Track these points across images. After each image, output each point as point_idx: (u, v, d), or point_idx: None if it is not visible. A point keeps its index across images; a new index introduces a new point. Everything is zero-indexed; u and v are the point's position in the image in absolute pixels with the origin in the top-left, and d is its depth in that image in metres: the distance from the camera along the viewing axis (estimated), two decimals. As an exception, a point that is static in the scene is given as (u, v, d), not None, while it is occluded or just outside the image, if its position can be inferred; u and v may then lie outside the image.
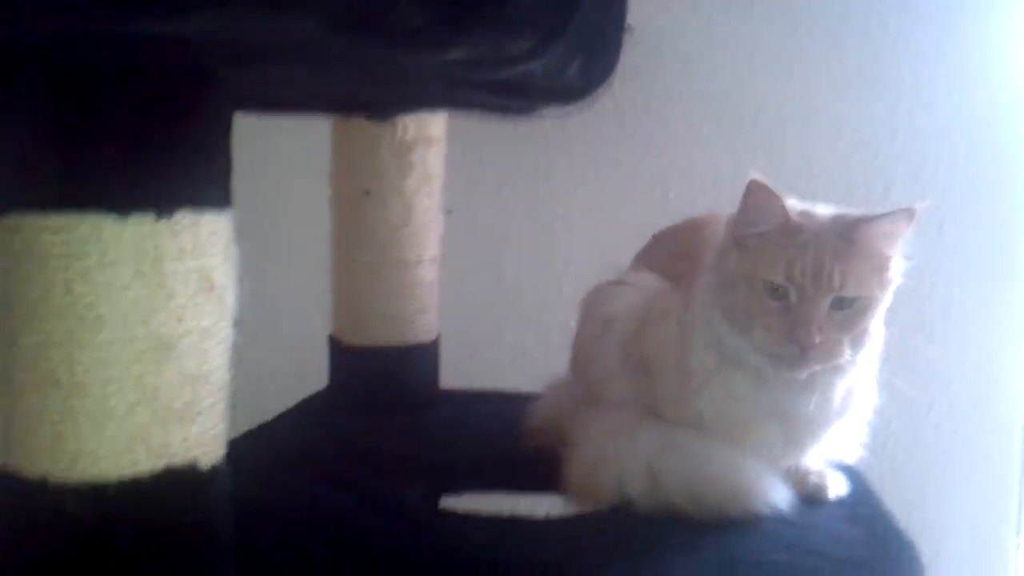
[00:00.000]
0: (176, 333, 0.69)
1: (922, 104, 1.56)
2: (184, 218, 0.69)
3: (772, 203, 0.91)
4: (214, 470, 0.73)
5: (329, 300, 1.36)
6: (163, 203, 0.68)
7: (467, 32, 0.48)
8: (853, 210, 0.95)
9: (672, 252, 1.13)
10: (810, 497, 0.97)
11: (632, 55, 1.57)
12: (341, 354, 1.35)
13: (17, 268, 0.67)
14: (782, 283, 0.89)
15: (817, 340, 0.88)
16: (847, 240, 0.90)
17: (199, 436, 0.71)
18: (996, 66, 1.54)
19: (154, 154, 0.67)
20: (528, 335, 1.68)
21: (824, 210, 0.95)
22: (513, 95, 0.74)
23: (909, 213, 0.90)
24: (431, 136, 1.30)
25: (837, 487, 1.00)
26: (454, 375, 1.47)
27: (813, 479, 0.99)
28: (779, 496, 0.93)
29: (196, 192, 0.70)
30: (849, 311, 0.90)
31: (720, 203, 1.58)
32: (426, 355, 1.36)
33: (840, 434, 1.00)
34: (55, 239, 0.66)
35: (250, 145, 1.67)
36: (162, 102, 0.67)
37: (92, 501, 0.67)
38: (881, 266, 0.91)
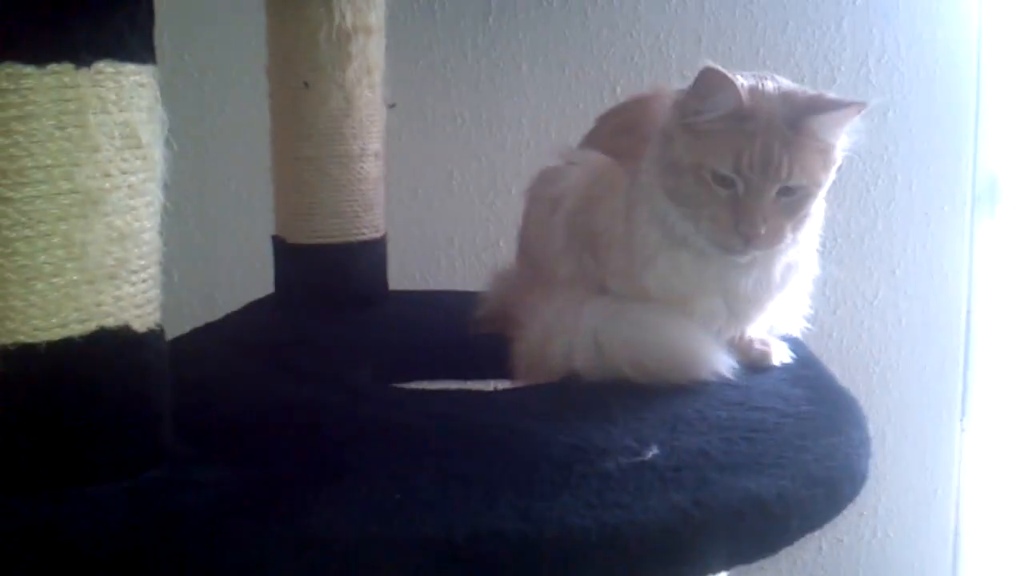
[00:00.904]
0: (103, 188, 0.67)
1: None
2: (105, 68, 0.67)
3: (726, 89, 0.89)
4: (149, 333, 0.72)
5: (271, 199, 1.34)
6: (82, 52, 0.65)
7: None
8: (801, 90, 0.94)
9: (617, 129, 1.13)
10: (755, 364, 0.98)
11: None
12: (286, 253, 1.32)
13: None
14: (729, 174, 0.89)
15: (762, 231, 0.89)
16: (795, 129, 0.89)
17: (132, 297, 0.70)
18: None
19: (71, 1, 0.65)
20: (476, 237, 1.67)
21: (774, 88, 0.93)
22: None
23: (859, 106, 0.90)
24: (370, 25, 1.27)
25: (781, 354, 1.01)
26: (404, 278, 1.46)
27: (757, 346, 1.00)
28: (723, 363, 0.94)
29: (116, 43, 0.68)
30: (793, 198, 0.90)
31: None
32: (373, 253, 1.34)
33: (783, 305, 1.01)
34: (-27, 90, 0.64)
35: (187, 45, 1.63)
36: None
37: (22, 362, 0.66)
38: (827, 153, 0.91)
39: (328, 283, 1.30)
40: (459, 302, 1.23)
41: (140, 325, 0.70)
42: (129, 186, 0.68)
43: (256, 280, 1.39)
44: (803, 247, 0.97)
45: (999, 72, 1.57)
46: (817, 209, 0.94)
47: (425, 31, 1.60)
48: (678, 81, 1.54)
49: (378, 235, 1.34)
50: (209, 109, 1.62)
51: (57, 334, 0.66)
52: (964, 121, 1.59)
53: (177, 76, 1.58)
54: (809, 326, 1.07)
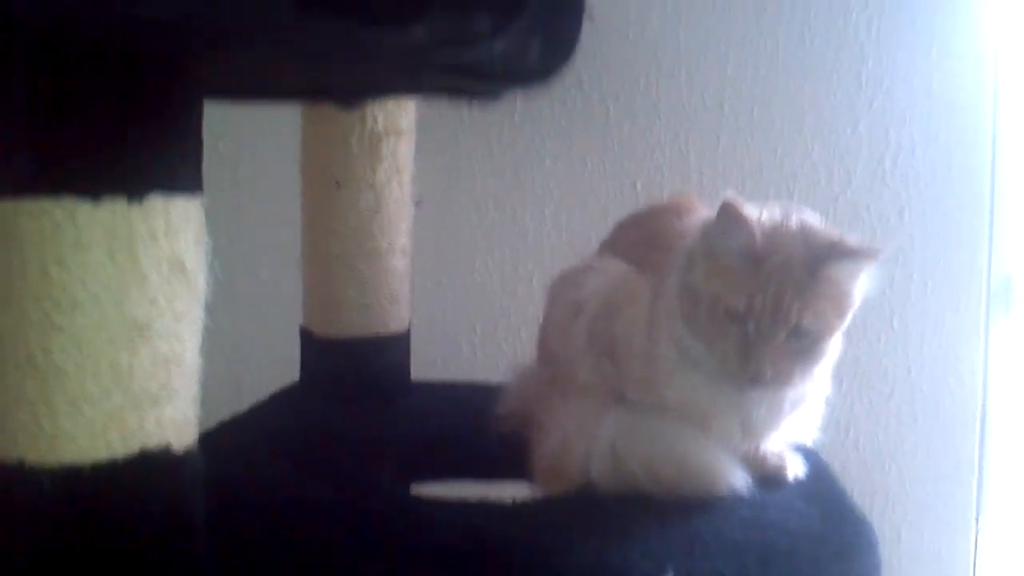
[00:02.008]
0: (149, 315, 0.70)
1: (883, 92, 1.60)
2: (156, 202, 0.70)
3: (742, 227, 0.92)
4: (187, 453, 0.74)
5: (300, 292, 1.38)
6: (135, 187, 0.69)
7: (428, 9, 0.50)
8: (822, 233, 0.95)
9: (636, 238, 1.16)
10: (769, 479, 1.00)
11: (599, 46, 1.63)
12: (313, 346, 1.36)
13: (-9, 251, 0.69)
14: (742, 312, 0.91)
15: (768, 374, 0.91)
16: (811, 273, 0.91)
17: (172, 419, 0.73)
18: (954, 54, 1.58)
19: (126, 139, 0.69)
20: (498, 326, 1.70)
21: (795, 225, 0.95)
22: (475, 78, 0.76)
23: (873, 252, 0.92)
24: (400, 127, 1.31)
25: (795, 468, 1.02)
26: (425, 366, 1.49)
27: (772, 461, 1.02)
28: (738, 479, 0.96)
29: (167, 176, 0.71)
30: (804, 342, 0.92)
31: (685, 191, 1.62)
32: (398, 346, 1.37)
33: (796, 422, 1.03)
34: (30, 223, 0.67)
35: (222, 135, 1.69)
36: (133, 87, 0.68)
37: (68, 484, 0.69)
38: (842, 299, 0.92)
39: (353, 376, 1.33)
40: (480, 396, 1.26)
41: (179, 445, 0.73)
42: (174, 312, 0.72)
43: (281, 367, 1.42)
44: (816, 380, 0.99)
45: (1013, 173, 1.60)
46: (833, 347, 0.96)
47: (453, 127, 1.65)
48: (696, 177, 1.63)
49: (403, 328, 1.38)
50: (243, 200, 1.68)
51: (102, 456, 0.69)
52: (979, 221, 1.61)
53: (212, 165, 1.62)
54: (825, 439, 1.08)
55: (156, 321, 0.71)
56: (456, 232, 1.69)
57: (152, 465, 0.71)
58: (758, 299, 0.90)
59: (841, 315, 0.94)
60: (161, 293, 0.71)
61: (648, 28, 1.62)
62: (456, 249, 1.69)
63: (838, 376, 1.04)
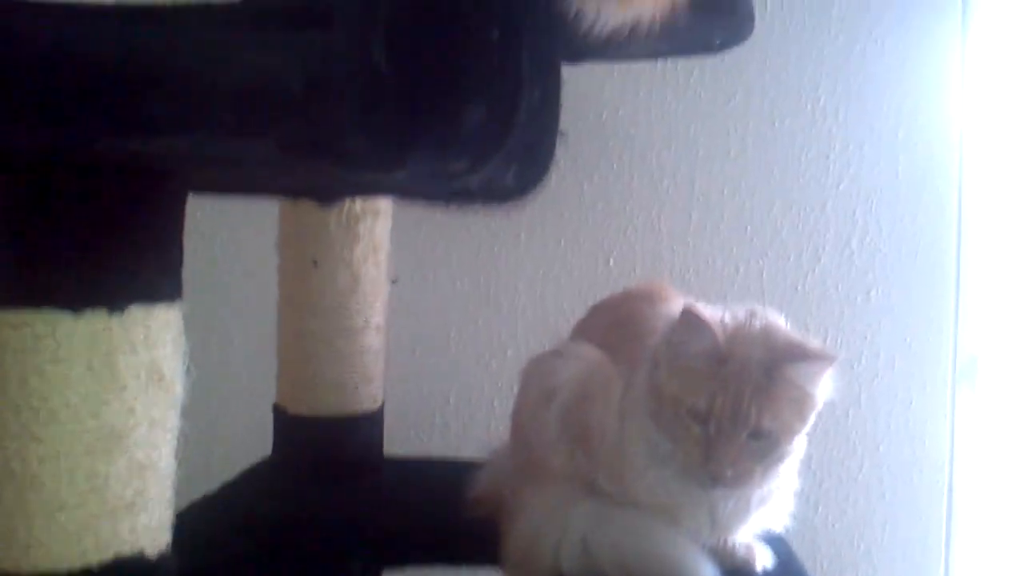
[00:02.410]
0: (127, 424, 0.71)
1: (850, 174, 1.64)
2: (136, 312, 0.72)
3: (703, 332, 0.95)
4: (160, 558, 0.75)
5: (274, 368, 1.38)
6: (116, 299, 0.70)
7: (408, 156, 0.53)
8: (784, 335, 0.98)
9: (609, 324, 1.18)
10: (738, 570, 1.02)
11: (574, 127, 1.66)
12: (285, 423, 1.36)
13: (-28, 361, 0.69)
14: (703, 412, 0.93)
15: (729, 474, 0.94)
16: (771, 375, 0.93)
17: (147, 525, 0.73)
18: (920, 138, 1.63)
19: (109, 251, 0.70)
20: (472, 398, 1.71)
21: (756, 327, 0.98)
22: (452, 198, 0.78)
23: (831, 357, 0.95)
24: (378, 208, 1.33)
25: (764, 560, 1.04)
26: (399, 438, 1.50)
27: (741, 553, 1.03)
28: (707, 572, 0.98)
29: (148, 286, 0.73)
30: (764, 443, 0.94)
31: (658, 267, 1.65)
32: (371, 424, 1.38)
33: (765, 514, 1.04)
34: (11, 334, 0.68)
35: (199, 208, 1.70)
36: (117, 200, 0.69)
37: (41, 591, 0.69)
38: (802, 401, 0.95)
39: (325, 454, 1.34)
40: (453, 474, 1.26)
41: (153, 551, 0.74)
42: (151, 420, 0.73)
43: (254, 442, 1.42)
44: (782, 477, 1.01)
45: (979, 254, 1.64)
46: (797, 446, 0.98)
47: (427, 210, 1.68)
48: (668, 254, 1.65)
49: (376, 407, 1.38)
50: (217, 275, 1.69)
51: (76, 564, 0.70)
52: (945, 301, 1.65)
53: (188, 238, 1.64)
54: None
55: (133, 430, 0.72)
56: (431, 305, 1.70)
57: (126, 572, 0.72)
58: (718, 400, 0.93)
59: (802, 417, 0.96)
60: (139, 402, 0.72)
61: (622, 109, 1.66)
62: (431, 321, 1.70)
63: (807, 456, 1.06)
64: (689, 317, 0.95)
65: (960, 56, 1.61)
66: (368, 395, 1.37)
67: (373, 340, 1.37)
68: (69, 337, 0.69)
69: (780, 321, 1.01)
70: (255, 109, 0.51)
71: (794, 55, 1.63)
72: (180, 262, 0.76)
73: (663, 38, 1.08)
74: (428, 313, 1.70)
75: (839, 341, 1.63)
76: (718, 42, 1.27)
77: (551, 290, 1.69)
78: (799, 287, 1.65)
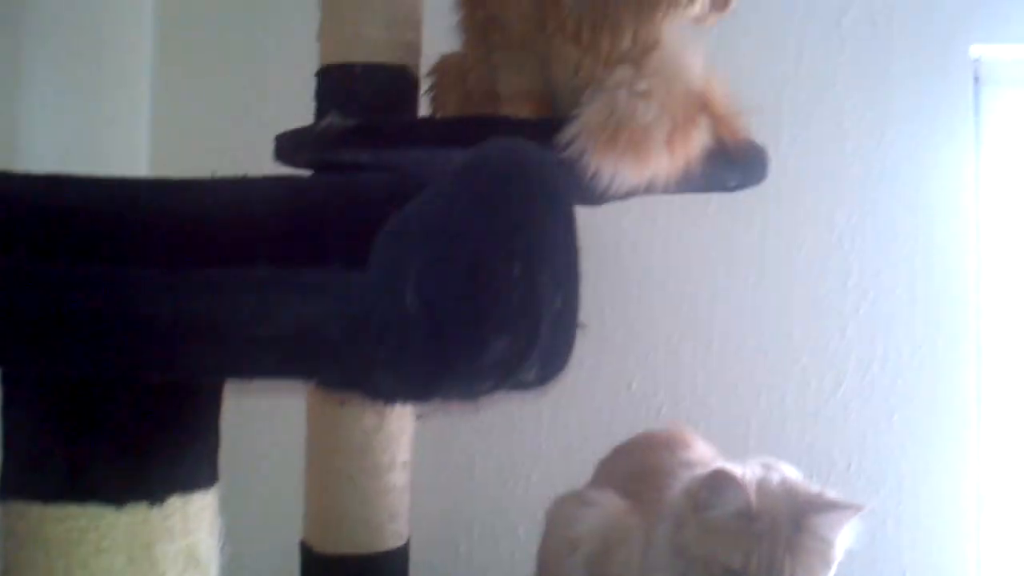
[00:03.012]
0: (164, 612, 0.74)
1: (868, 300, 1.66)
2: (175, 501, 0.74)
3: (735, 491, 0.98)
4: None
5: (301, 506, 1.41)
6: (156, 491, 0.73)
7: (435, 389, 0.56)
8: (804, 486, 1.02)
9: (630, 470, 1.20)
10: None
11: (595, 257, 1.69)
12: (312, 560, 1.38)
13: (20, 551, 0.72)
14: (738, 571, 0.96)
15: None
16: (798, 528, 0.97)
17: None
18: (938, 264, 1.65)
19: (151, 448, 0.73)
20: (496, 526, 1.72)
21: (778, 482, 1.01)
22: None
23: (855, 508, 0.99)
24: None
25: None
26: (424, 568, 1.51)
27: None
28: None
29: (188, 476, 0.76)
30: None
31: (679, 392, 1.66)
32: (397, 560, 1.39)
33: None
34: (57, 527, 0.71)
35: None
36: (160, 405, 0.73)
37: None
38: (826, 552, 0.99)
39: (352, 592, 1.35)
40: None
41: None
42: (187, 605, 0.75)
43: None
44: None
45: (1000, 378, 1.65)
46: None
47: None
48: (688, 381, 1.67)
49: (401, 542, 1.40)
50: (246, 414, 1.72)
51: None
52: (966, 430, 1.65)
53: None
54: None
55: (171, 615, 0.74)
56: (454, 433, 1.72)
57: None
58: (753, 558, 0.95)
59: (827, 567, 0.99)
60: (176, 585, 0.74)
61: (641, 237, 1.70)
62: (454, 449, 1.72)
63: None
64: (721, 478, 0.97)
65: (974, 182, 1.65)
66: (394, 532, 1.38)
67: (398, 478, 1.39)
68: (112, 529, 0.72)
69: (795, 472, 1.03)
70: (296, 355, 0.54)
71: (810, 186, 1.67)
72: (217, 448, 0.79)
73: (679, 186, 1.13)
74: (451, 441, 1.72)
75: (862, 466, 1.64)
76: (732, 184, 1.32)
77: (574, 415, 1.71)
78: (820, 413, 1.66)
